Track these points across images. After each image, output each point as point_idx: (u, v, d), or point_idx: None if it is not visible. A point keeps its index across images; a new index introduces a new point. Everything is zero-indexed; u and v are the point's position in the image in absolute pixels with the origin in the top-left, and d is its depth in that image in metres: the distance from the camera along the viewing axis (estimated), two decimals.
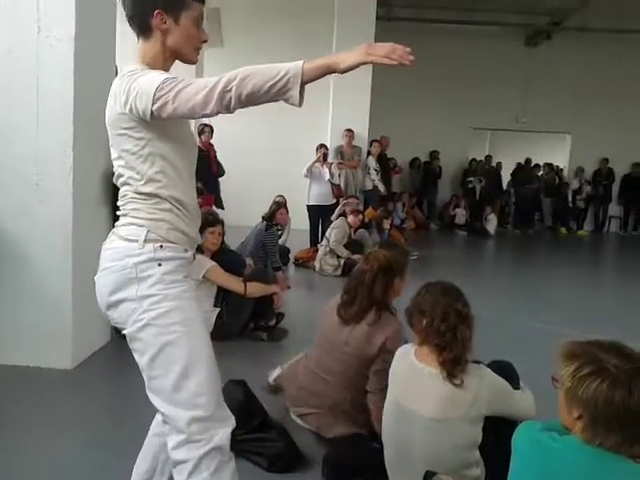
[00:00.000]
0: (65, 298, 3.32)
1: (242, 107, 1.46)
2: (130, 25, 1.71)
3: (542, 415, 1.93)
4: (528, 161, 13.44)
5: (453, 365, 1.97)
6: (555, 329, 4.56)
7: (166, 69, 1.71)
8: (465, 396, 1.94)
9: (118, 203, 1.73)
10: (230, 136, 8.98)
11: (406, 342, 2.31)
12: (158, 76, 1.52)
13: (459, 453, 1.98)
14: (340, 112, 8.98)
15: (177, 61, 1.76)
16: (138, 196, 1.67)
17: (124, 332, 1.67)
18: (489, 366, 2.17)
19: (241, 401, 2.55)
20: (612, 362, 1.31)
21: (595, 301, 6.24)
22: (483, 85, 12.45)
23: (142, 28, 1.68)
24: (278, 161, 9.83)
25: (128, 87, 1.56)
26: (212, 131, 7.41)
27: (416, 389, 2.03)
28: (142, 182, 1.65)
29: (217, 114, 1.48)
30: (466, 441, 1.98)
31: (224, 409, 1.68)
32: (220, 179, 7.61)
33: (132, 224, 1.67)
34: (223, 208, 7.30)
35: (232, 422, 1.68)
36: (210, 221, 4.06)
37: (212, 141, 7.49)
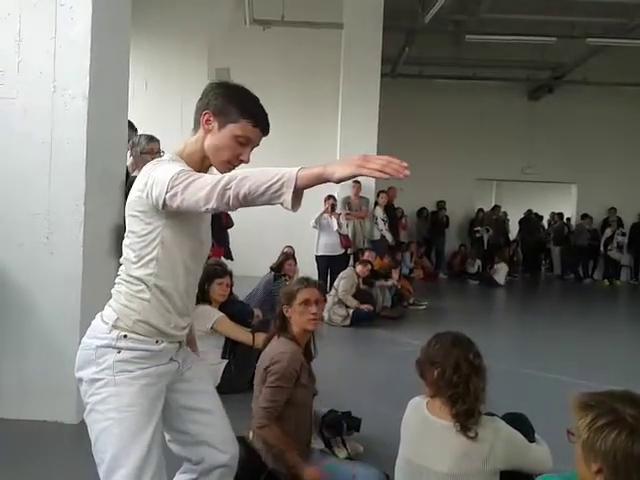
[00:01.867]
0: (72, 352, 3.28)
1: (241, 206, 1.47)
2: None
3: (558, 468, 1.87)
4: (530, 212, 13.61)
5: (467, 417, 1.92)
6: (567, 380, 4.47)
7: (200, 169, 1.73)
8: (480, 450, 1.89)
9: (116, 279, 1.77)
10: None
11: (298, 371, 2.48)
12: (175, 167, 1.56)
13: None
14: None
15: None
16: (127, 278, 1.70)
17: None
18: (503, 418, 2.11)
19: (242, 457, 2.48)
20: (628, 412, 1.28)
21: (607, 351, 6.11)
22: (488, 137, 12.67)
23: (195, 121, 1.77)
24: (287, 212, 9.86)
25: (149, 174, 1.61)
26: None
27: (429, 443, 1.97)
28: (136, 266, 1.68)
29: (218, 210, 1.50)
30: None
31: None
32: (229, 230, 7.67)
33: (110, 306, 1.71)
34: (232, 259, 7.33)
35: None
36: (218, 272, 4.06)
37: None
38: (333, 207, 7.88)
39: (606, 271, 12.65)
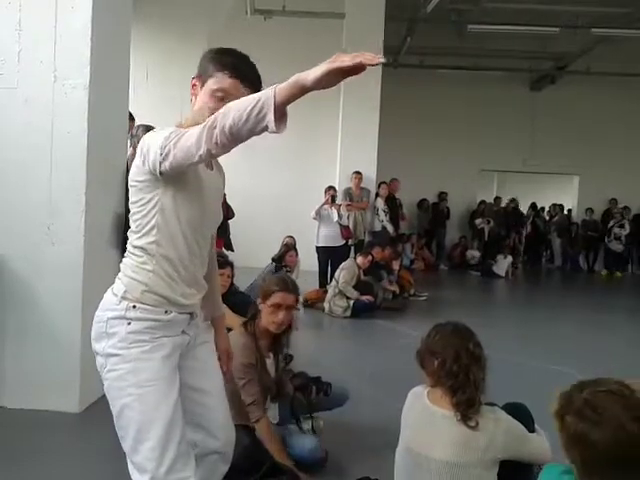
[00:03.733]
0: (74, 340, 3.31)
1: (231, 143, 1.43)
2: None
3: (558, 458, 1.88)
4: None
5: (467, 407, 1.93)
6: (569, 371, 4.48)
7: None
8: (480, 439, 1.90)
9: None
10: (240, 179, 9.08)
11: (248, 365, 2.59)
12: (168, 130, 1.56)
13: None
14: (348, 155, 9.10)
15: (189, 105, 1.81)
16: (132, 249, 1.71)
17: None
18: (503, 408, 2.12)
19: (247, 446, 2.50)
20: (582, 397, 1.30)
21: (606, 341, 6.13)
22: (490, 128, 12.63)
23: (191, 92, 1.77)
24: (287, 203, 9.92)
25: (147, 143, 1.61)
26: None
27: (429, 433, 1.98)
28: (138, 235, 1.69)
29: (210, 155, 1.46)
30: None
31: (179, 473, 1.64)
32: (230, 221, 7.66)
33: (119, 279, 1.72)
34: (233, 250, 7.33)
35: None
36: (219, 263, 4.04)
37: None
38: (333, 198, 7.87)
39: (607, 262, 12.64)
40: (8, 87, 3.28)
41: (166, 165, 1.53)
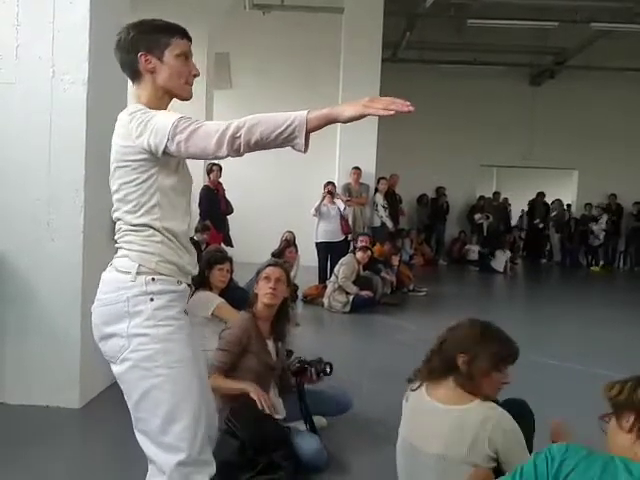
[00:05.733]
0: (74, 336, 3.32)
1: (251, 151, 1.53)
2: (124, 72, 1.80)
3: None
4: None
5: (460, 399, 1.94)
6: (569, 365, 4.49)
7: (163, 109, 1.75)
8: (467, 432, 1.89)
9: (115, 237, 1.77)
10: (239, 174, 9.09)
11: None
12: (174, 115, 1.59)
13: None
14: (347, 150, 9.09)
15: (186, 102, 1.82)
16: (132, 228, 1.71)
17: (113, 370, 1.70)
18: (503, 403, 2.12)
19: (241, 443, 2.50)
20: None
21: (606, 337, 6.14)
22: (489, 123, 12.60)
23: (133, 73, 1.78)
24: (287, 199, 9.92)
25: (144, 123, 1.61)
26: (221, 170, 7.52)
27: (423, 425, 2.00)
28: (138, 214, 1.69)
29: (227, 157, 1.56)
30: None
31: (207, 453, 1.68)
32: (229, 217, 7.67)
33: (125, 256, 1.71)
34: (232, 246, 7.34)
35: (212, 468, 1.70)
36: (218, 258, 4.06)
37: (221, 180, 7.59)
38: (330, 193, 7.81)
39: (604, 257, 12.66)
40: (6, 82, 3.27)
41: (173, 152, 1.57)
